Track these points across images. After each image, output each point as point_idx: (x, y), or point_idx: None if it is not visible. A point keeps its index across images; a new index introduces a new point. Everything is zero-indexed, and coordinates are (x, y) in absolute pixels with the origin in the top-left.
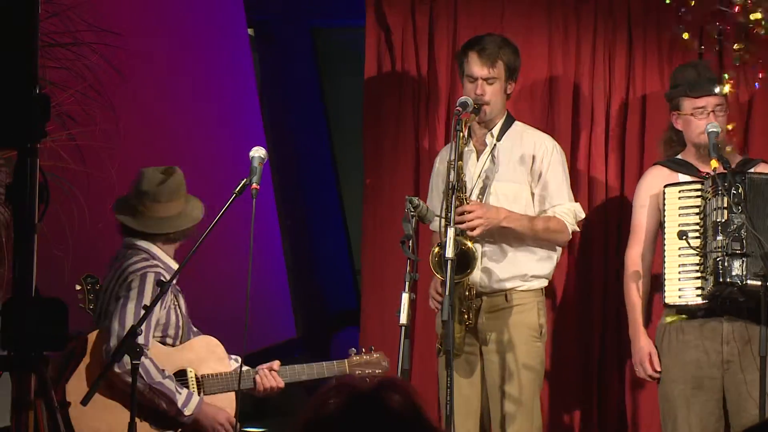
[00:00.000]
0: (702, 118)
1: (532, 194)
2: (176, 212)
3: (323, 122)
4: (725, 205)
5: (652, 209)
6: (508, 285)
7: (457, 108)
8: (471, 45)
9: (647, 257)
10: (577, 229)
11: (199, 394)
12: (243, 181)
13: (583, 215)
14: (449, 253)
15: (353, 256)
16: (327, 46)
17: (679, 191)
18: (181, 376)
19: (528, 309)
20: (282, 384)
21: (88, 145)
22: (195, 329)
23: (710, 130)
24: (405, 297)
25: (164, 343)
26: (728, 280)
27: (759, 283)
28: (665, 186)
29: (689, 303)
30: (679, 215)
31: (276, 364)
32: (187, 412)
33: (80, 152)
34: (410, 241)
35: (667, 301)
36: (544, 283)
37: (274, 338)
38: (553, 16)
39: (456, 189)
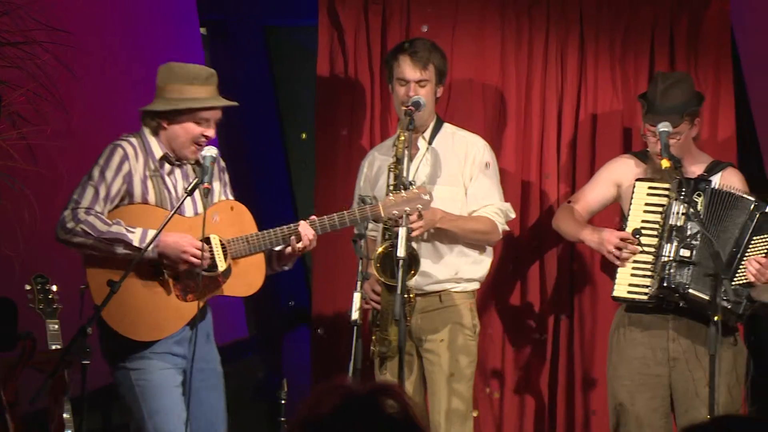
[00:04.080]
0: (654, 141)
1: (466, 195)
2: (178, 96)
3: (276, 121)
4: (684, 211)
5: (606, 189)
6: (443, 286)
7: (410, 107)
8: (402, 48)
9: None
10: (507, 229)
11: (225, 259)
12: (195, 180)
13: (513, 215)
14: (401, 252)
15: (305, 256)
16: (280, 45)
17: (649, 187)
18: (206, 244)
19: (462, 309)
20: (312, 235)
21: (40, 144)
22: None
23: (662, 129)
24: (357, 296)
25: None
26: (672, 285)
27: (701, 295)
28: (637, 180)
29: (635, 299)
30: (644, 211)
31: (312, 216)
32: (145, 245)
33: (31, 151)
34: (362, 240)
35: (615, 294)
36: (477, 285)
37: (226, 337)
38: (505, 16)
39: (406, 187)
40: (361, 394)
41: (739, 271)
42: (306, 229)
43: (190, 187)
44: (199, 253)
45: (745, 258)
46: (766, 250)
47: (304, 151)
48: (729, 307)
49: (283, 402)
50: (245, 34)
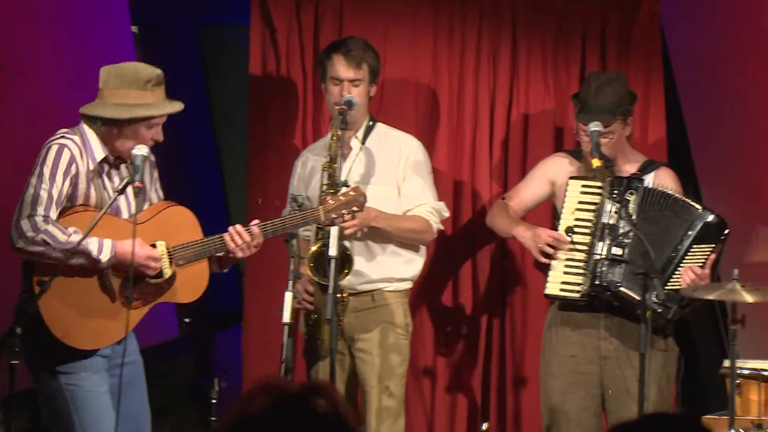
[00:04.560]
0: (587, 140)
1: (400, 195)
2: (122, 101)
3: (208, 121)
4: (617, 209)
5: (540, 186)
6: (375, 286)
7: (343, 106)
8: (335, 47)
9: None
10: (441, 228)
11: (171, 265)
12: (126, 180)
13: (447, 214)
14: (333, 251)
15: None
16: (213, 44)
17: (582, 186)
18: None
19: (394, 308)
20: (259, 238)
21: None
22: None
23: (592, 129)
24: (288, 296)
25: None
26: (604, 283)
27: (632, 293)
28: (570, 178)
29: (567, 297)
30: (577, 209)
31: (253, 222)
32: (104, 257)
33: None
34: (294, 240)
35: (547, 292)
36: (410, 284)
37: (158, 337)
38: (438, 16)
39: (339, 186)
40: (291, 393)
41: (674, 276)
42: (236, 237)
43: (120, 186)
44: (154, 264)
45: (682, 264)
46: (703, 260)
47: (236, 151)
48: (659, 311)
49: (214, 401)
50: (177, 33)
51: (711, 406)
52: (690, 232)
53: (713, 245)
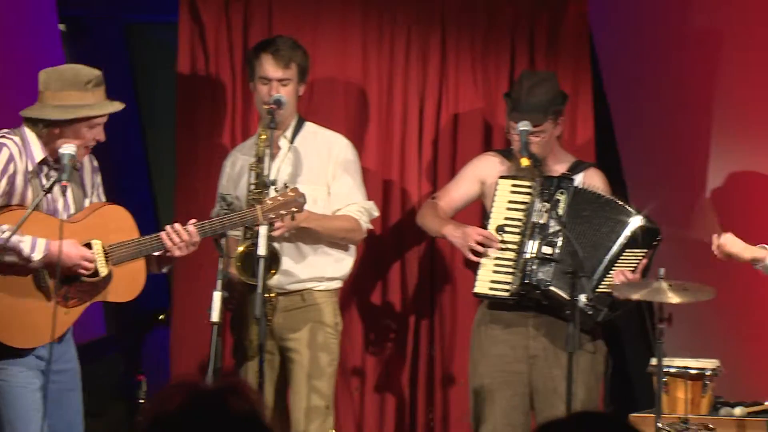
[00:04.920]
0: (517, 140)
1: (329, 194)
2: (61, 103)
3: (136, 120)
4: (547, 208)
5: (470, 186)
6: (305, 285)
7: (272, 105)
8: (264, 46)
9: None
10: (371, 227)
11: (107, 265)
12: (53, 179)
13: (377, 213)
14: (262, 251)
15: None
16: (141, 42)
17: (512, 185)
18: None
19: (324, 308)
20: (196, 237)
21: None
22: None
23: (521, 128)
24: (217, 295)
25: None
26: (533, 282)
27: (561, 292)
28: (500, 177)
29: (497, 296)
30: (507, 208)
31: (191, 221)
32: (36, 256)
33: None
34: (223, 239)
35: (476, 290)
36: (339, 284)
37: (85, 336)
38: (367, 15)
39: (267, 186)
40: (206, 392)
41: (606, 278)
42: (173, 236)
43: (48, 185)
44: (87, 264)
45: (614, 268)
46: (635, 264)
47: (164, 150)
48: (590, 312)
49: (142, 402)
50: (105, 31)
51: (638, 404)
52: (623, 236)
53: (645, 250)
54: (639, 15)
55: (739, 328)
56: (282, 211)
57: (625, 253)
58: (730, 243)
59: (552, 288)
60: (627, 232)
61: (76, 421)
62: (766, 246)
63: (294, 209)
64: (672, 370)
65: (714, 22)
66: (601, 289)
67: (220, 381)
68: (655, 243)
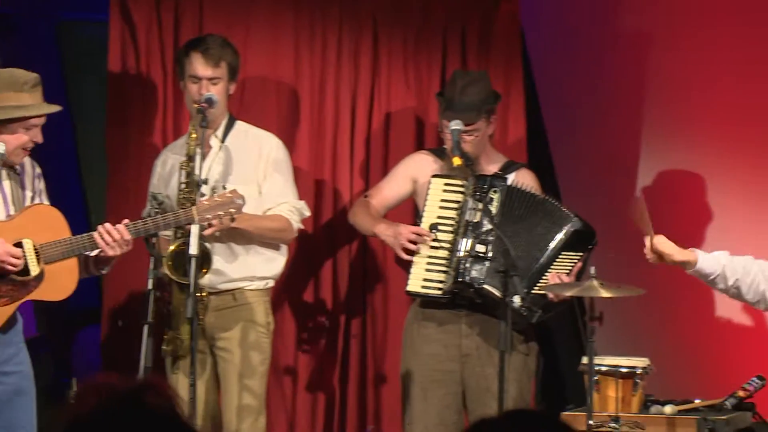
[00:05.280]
0: (450, 139)
1: (260, 193)
2: None
3: (67, 119)
4: (480, 207)
5: (402, 184)
6: (236, 285)
7: (203, 104)
8: (194, 45)
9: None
10: (302, 227)
11: (39, 263)
12: None
13: (308, 213)
14: (193, 250)
15: None
16: (72, 40)
17: (445, 184)
18: (18, 248)
19: (255, 307)
20: (128, 236)
21: None
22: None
23: (453, 127)
24: (148, 294)
25: None
26: (467, 280)
27: (494, 290)
28: (432, 176)
29: (429, 294)
30: (439, 207)
31: (124, 221)
32: None
33: None
34: (154, 239)
35: (408, 288)
36: (271, 283)
37: None
38: (299, 14)
39: (198, 185)
40: (124, 390)
41: (541, 280)
42: (106, 235)
43: None
44: (14, 260)
45: (549, 270)
46: (570, 267)
47: (95, 149)
48: (524, 314)
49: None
50: (36, 28)
51: (569, 403)
52: (559, 238)
53: (581, 254)
54: (570, 15)
55: (669, 327)
56: (219, 212)
57: (560, 256)
58: (662, 243)
59: (485, 286)
60: (562, 236)
61: (26, 426)
62: (695, 250)
63: (232, 210)
64: (603, 368)
65: (643, 23)
66: (537, 290)
67: (136, 379)
68: (590, 247)
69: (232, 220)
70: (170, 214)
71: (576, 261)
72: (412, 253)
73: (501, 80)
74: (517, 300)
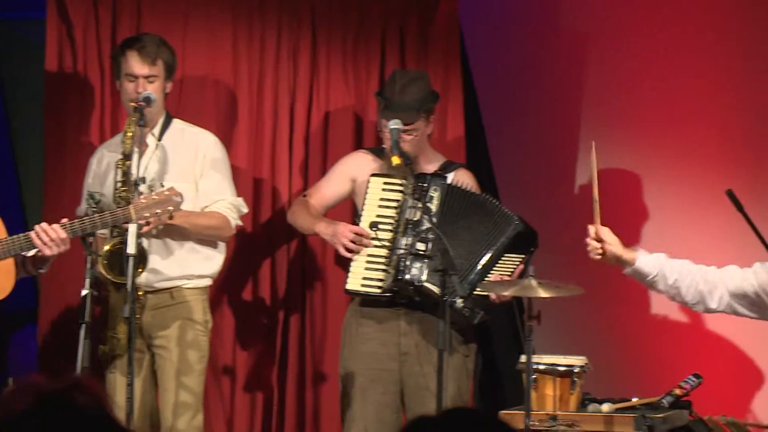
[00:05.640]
0: (389, 138)
1: (197, 191)
2: None
3: (3, 119)
4: (420, 205)
5: (341, 183)
6: (174, 283)
7: (141, 103)
8: (129, 43)
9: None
10: (240, 224)
11: None
12: None
13: (246, 210)
14: (131, 249)
15: None
16: (8, 39)
17: (384, 182)
18: None
19: (193, 305)
20: (64, 235)
21: None
22: None
23: (392, 126)
24: (85, 294)
25: None
26: (406, 278)
27: (434, 288)
28: (371, 175)
29: (369, 292)
30: (379, 206)
31: (63, 220)
32: None
33: None
34: (90, 238)
35: (348, 287)
36: (209, 281)
37: None
38: (237, 13)
39: (136, 184)
40: (51, 391)
41: (484, 281)
42: (43, 235)
43: None
44: None
45: (492, 271)
46: (512, 269)
47: (32, 149)
48: (466, 315)
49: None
50: None
51: (508, 401)
52: (501, 240)
53: (523, 256)
54: (509, 14)
55: (607, 326)
56: (157, 210)
57: (503, 258)
58: (606, 233)
59: (425, 284)
60: (504, 238)
61: None
62: (637, 248)
63: (170, 208)
64: (541, 367)
65: (582, 23)
66: (480, 292)
67: (64, 378)
68: (532, 249)
69: (171, 217)
70: (107, 213)
71: (518, 263)
72: (352, 251)
73: (440, 79)
74: (459, 301)
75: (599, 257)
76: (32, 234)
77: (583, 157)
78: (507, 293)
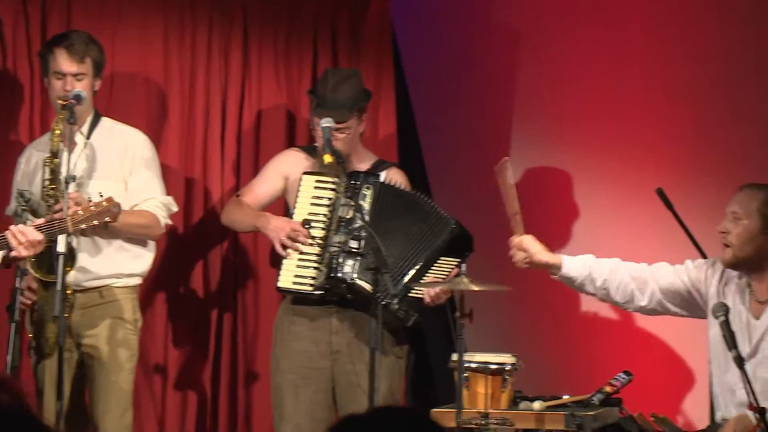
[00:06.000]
0: (321, 137)
1: (126, 190)
2: None
3: None
4: (353, 203)
5: (274, 182)
6: (103, 282)
7: (71, 101)
8: (57, 41)
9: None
10: (170, 222)
11: None
12: None
13: (175, 208)
14: (61, 247)
15: None
16: None
17: (316, 180)
18: None
19: (123, 304)
20: (41, 236)
21: None
22: None
23: (324, 125)
24: (14, 293)
25: None
26: (339, 275)
27: (366, 285)
28: (303, 173)
29: (301, 290)
30: (311, 204)
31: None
32: None
33: None
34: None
35: (279, 285)
36: (139, 280)
37: None
38: (168, 10)
39: (67, 183)
40: None
41: (418, 283)
42: (19, 235)
43: None
44: None
45: (427, 274)
46: (448, 272)
47: None
48: (401, 316)
49: None
50: None
51: (440, 399)
52: (438, 243)
53: (458, 260)
54: (441, 13)
55: (538, 324)
56: (94, 221)
57: (439, 261)
58: (528, 241)
59: (357, 281)
60: (440, 241)
61: None
62: (561, 255)
63: (107, 219)
64: (473, 365)
65: (513, 22)
66: (415, 294)
67: None
68: (467, 253)
69: (106, 228)
70: (44, 225)
71: (453, 266)
72: (287, 248)
73: (372, 78)
74: (394, 302)
75: (526, 266)
76: (8, 234)
77: (515, 154)
78: (437, 287)
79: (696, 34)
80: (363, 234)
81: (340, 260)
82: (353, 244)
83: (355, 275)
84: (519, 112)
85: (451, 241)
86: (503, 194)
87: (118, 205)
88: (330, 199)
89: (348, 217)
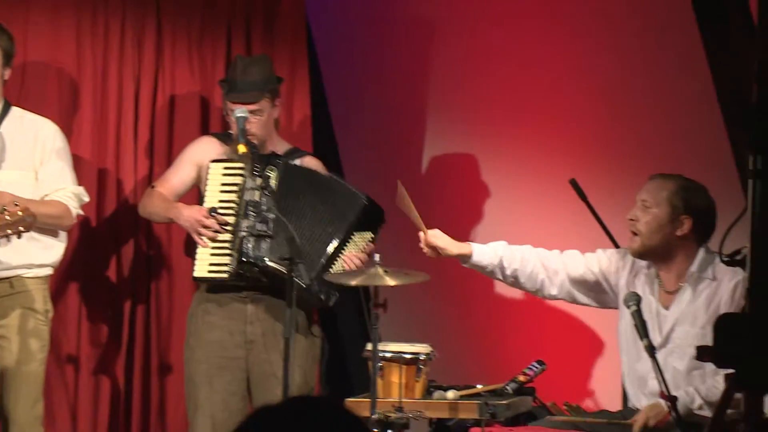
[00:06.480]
0: (233, 120)
1: (37, 180)
2: None
3: None
4: (258, 186)
5: (188, 171)
6: (14, 272)
7: None
8: None
9: None
10: (81, 213)
11: None
12: None
13: (87, 198)
14: None
15: None
16: None
17: (224, 167)
18: None
19: (34, 294)
20: None
21: None
22: None
23: (238, 115)
24: None
25: None
26: (251, 260)
27: (279, 266)
28: (211, 161)
29: (217, 278)
30: (221, 191)
31: None
32: None
33: None
34: None
35: (195, 274)
36: (50, 270)
37: None
38: None
39: None
40: None
41: (336, 261)
42: None
43: None
44: None
45: (343, 251)
46: (363, 246)
47: None
48: (323, 297)
49: None
50: None
51: (354, 389)
52: (350, 219)
53: (372, 234)
54: (355, 2)
55: (452, 313)
56: (8, 231)
57: (353, 237)
58: (437, 237)
59: (269, 263)
60: (352, 216)
61: None
62: (471, 243)
63: (21, 228)
64: (387, 355)
65: (427, 11)
66: (333, 272)
67: None
68: (380, 225)
69: (19, 237)
70: None
71: (369, 240)
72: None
73: (286, 67)
74: (314, 285)
75: (438, 256)
76: None
77: (429, 143)
78: (354, 283)
79: (608, 24)
80: (271, 216)
81: (250, 244)
82: (261, 227)
83: (266, 258)
84: (433, 101)
85: (363, 216)
86: (407, 213)
87: (33, 215)
88: (238, 185)
89: (255, 199)
